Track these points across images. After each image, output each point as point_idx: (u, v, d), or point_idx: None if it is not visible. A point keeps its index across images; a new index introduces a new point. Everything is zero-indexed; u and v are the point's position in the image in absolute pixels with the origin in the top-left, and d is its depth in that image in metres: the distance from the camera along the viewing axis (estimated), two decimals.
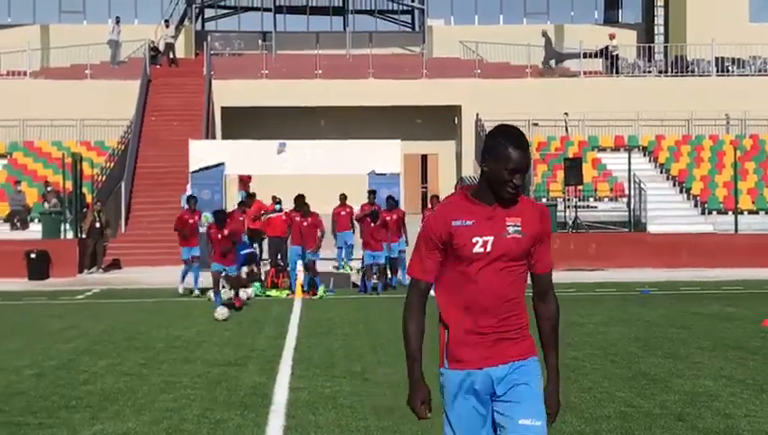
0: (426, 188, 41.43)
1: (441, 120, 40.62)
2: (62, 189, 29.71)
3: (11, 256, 27.22)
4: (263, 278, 22.54)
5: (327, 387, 10.62)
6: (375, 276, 21.76)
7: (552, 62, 42.03)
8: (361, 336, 14.80)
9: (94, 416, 9.39)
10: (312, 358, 12.68)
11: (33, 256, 27.24)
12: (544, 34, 41.84)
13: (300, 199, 22.11)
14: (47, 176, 32.64)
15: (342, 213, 26.69)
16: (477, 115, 38.09)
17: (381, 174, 27.77)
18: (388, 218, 22.27)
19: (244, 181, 30.08)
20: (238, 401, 9.95)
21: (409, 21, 49.73)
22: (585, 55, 40.63)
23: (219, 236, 18.61)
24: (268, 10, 47.16)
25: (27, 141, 36.57)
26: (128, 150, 34.28)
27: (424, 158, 41.79)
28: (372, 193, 24.27)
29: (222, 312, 17.10)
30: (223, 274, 18.76)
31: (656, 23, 46.15)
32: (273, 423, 9.02)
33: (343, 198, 26.83)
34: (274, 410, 9.57)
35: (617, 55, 40.80)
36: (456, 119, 40.36)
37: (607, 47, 40.79)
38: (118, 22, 41.16)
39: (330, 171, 28.12)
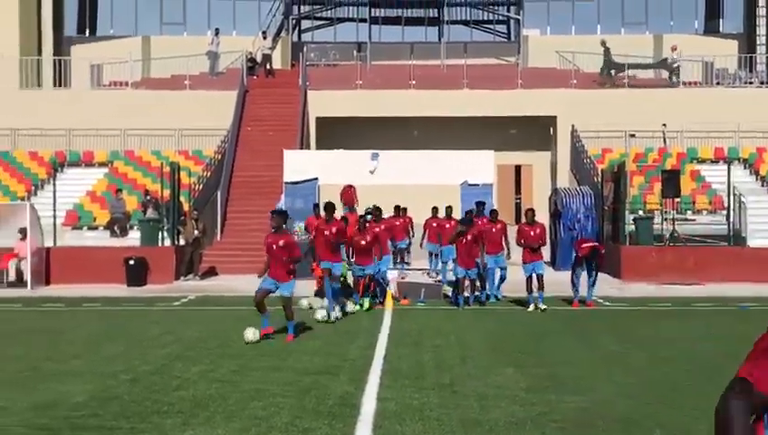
0: (519, 199, 41.16)
1: (536, 131, 40.33)
2: (160, 198, 30.29)
3: (111, 262, 27.85)
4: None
5: (415, 398, 10.60)
6: (467, 290, 21.35)
7: (611, 72, 41.38)
8: (452, 348, 14.75)
9: (185, 422, 9.53)
10: (401, 369, 12.68)
11: (131, 262, 27.81)
12: (603, 44, 41.39)
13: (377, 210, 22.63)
14: (146, 184, 33.32)
15: (434, 224, 26.54)
16: (573, 126, 37.71)
17: (474, 184, 27.70)
18: (494, 230, 21.92)
19: (348, 195, 30.34)
20: (326, 411, 10.00)
21: (505, 31, 49.53)
22: (643, 66, 40.13)
23: (327, 232, 19.06)
24: (364, 21, 47.47)
25: (128, 150, 37.40)
26: (224, 160, 34.81)
27: (518, 168, 41.53)
28: (481, 205, 23.96)
29: (322, 314, 18.17)
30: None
31: (758, 33, 45.12)
32: (359, 433, 9.05)
33: (435, 210, 26.64)
34: (362, 420, 9.60)
35: (677, 67, 40.02)
36: (552, 129, 40.02)
37: (665, 58, 40.13)
38: (217, 33, 41.88)
39: (422, 181, 28.13)
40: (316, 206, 23.86)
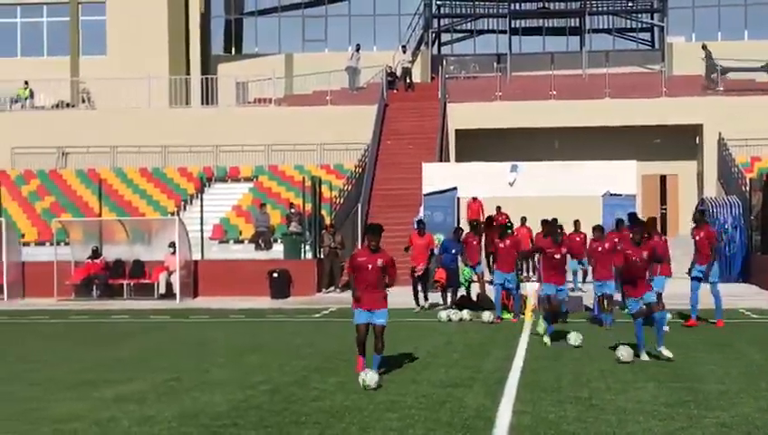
0: (665, 209, 40.23)
1: (681, 140, 39.37)
2: (303, 211, 30.82)
3: (255, 275, 28.51)
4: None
5: (551, 412, 10.50)
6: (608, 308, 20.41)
7: (715, 76, 39.97)
8: (591, 361, 14.52)
9: (322, 432, 9.69)
10: (538, 381, 12.57)
11: (275, 275, 28.39)
12: (704, 47, 40.04)
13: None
14: (290, 198, 33.95)
15: (577, 239, 25.89)
16: (720, 134, 36.70)
17: (616, 195, 27.24)
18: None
19: (473, 209, 30.42)
20: (461, 423, 9.99)
21: (648, 39, 48.56)
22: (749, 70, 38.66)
23: (502, 245, 20.02)
24: (504, 32, 47.30)
25: (272, 165, 38.21)
26: (364, 173, 35.20)
27: (663, 178, 40.59)
28: (634, 218, 22.67)
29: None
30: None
31: None
32: None
33: (578, 224, 26.12)
34: (496, 433, 9.56)
35: None
36: (698, 138, 39.01)
37: None
38: (358, 49, 42.39)
39: (563, 193, 27.82)
40: (420, 222, 24.35)
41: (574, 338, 16.26)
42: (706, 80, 40.18)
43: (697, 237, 19.29)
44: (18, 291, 29.35)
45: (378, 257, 13.15)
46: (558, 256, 17.02)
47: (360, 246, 22.26)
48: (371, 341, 13.08)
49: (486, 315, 20.26)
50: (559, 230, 18.41)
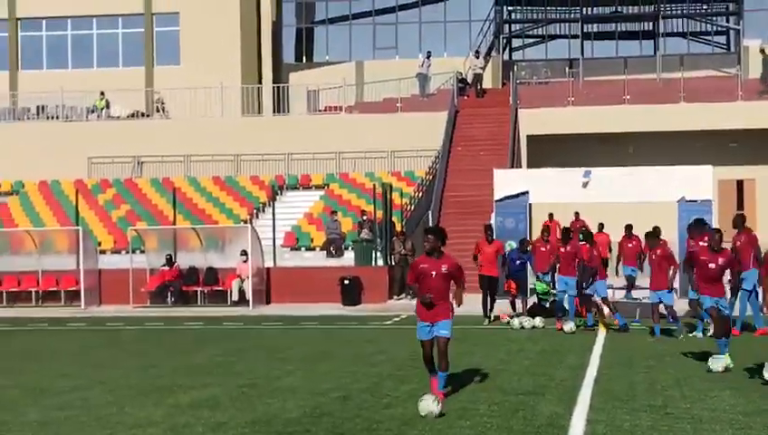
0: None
1: (759, 144, 38.66)
2: (374, 218, 30.89)
3: (327, 282, 28.63)
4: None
5: (626, 420, 10.36)
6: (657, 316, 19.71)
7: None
8: (666, 369, 14.30)
9: None
10: (612, 390, 12.41)
11: (346, 282, 28.49)
12: (762, 51, 39.11)
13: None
14: (361, 206, 34.06)
15: (629, 245, 25.41)
16: None
17: (692, 201, 26.82)
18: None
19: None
20: (534, 432, 9.91)
21: (724, 42, 47.81)
22: None
23: (563, 250, 19.97)
24: (576, 37, 46.93)
25: (342, 173, 38.37)
26: (435, 180, 35.15)
27: (740, 183, 39.90)
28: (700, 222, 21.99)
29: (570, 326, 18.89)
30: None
31: None
32: None
33: (629, 228, 25.54)
34: None
35: None
36: None
37: None
38: (429, 56, 42.38)
39: (637, 199, 27.50)
40: (488, 228, 23.33)
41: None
42: (762, 83, 39.45)
43: (738, 243, 18.63)
44: (95, 298, 29.86)
45: (441, 263, 11.73)
46: (713, 266, 14.75)
47: (396, 250, 21.19)
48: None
49: (568, 327, 19.69)
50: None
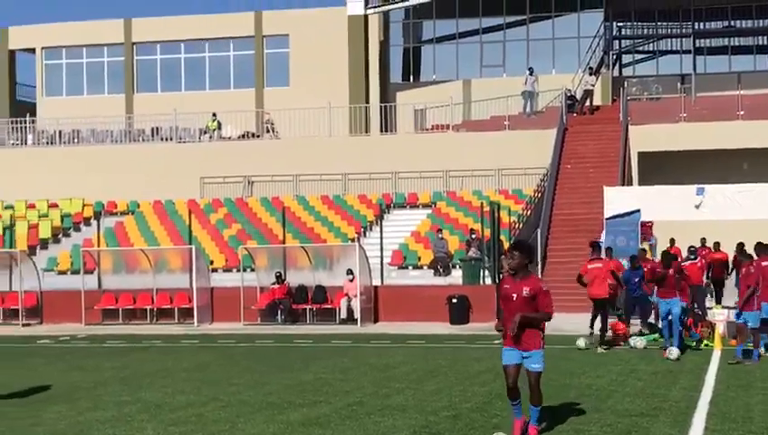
0: None
1: None
2: (482, 236, 30.78)
3: (434, 300, 28.61)
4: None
5: None
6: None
7: None
8: None
9: None
10: (727, 412, 12.11)
11: (454, 300, 28.43)
12: None
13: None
14: (468, 224, 33.98)
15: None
16: None
17: None
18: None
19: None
20: None
21: None
22: None
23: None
24: (687, 52, 46.15)
25: (450, 191, 38.37)
26: (544, 198, 34.86)
27: None
28: None
29: (674, 353, 17.98)
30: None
31: None
32: None
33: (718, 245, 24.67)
34: None
35: None
36: None
37: None
38: (531, 73, 42.16)
39: (752, 216, 26.83)
40: (594, 245, 22.50)
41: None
42: None
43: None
44: (207, 316, 30.40)
45: (523, 285, 10.46)
46: None
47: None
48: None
49: (674, 353, 18.98)
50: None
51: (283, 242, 32.72)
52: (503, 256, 29.68)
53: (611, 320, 21.57)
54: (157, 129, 43.83)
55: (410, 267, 32.95)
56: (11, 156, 43.42)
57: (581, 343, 20.41)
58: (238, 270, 31.56)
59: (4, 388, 15.59)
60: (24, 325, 31.00)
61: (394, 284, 30.96)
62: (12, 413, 13.02)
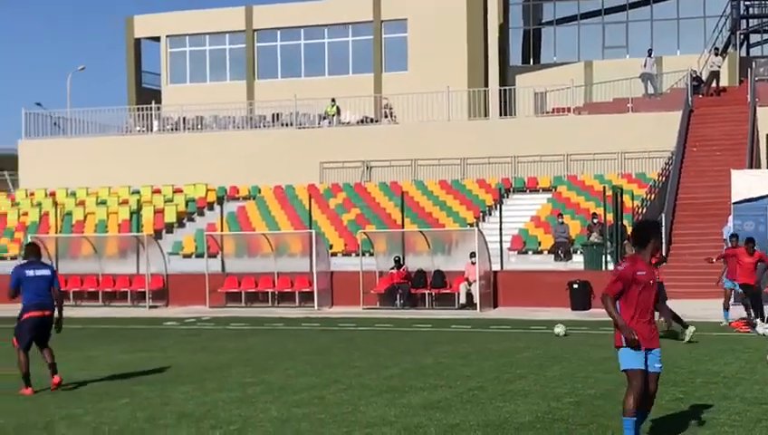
0: None
1: None
2: (604, 221, 30.29)
3: (555, 286, 28.29)
4: None
5: None
6: None
7: None
8: None
9: None
10: None
11: (575, 286, 28.05)
12: None
13: None
14: (589, 208, 33.48)
15: None
16: None
17: None
18: None
19: None
20: None
21: None
22: None
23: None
24: None
25: (571, 175, 37.85)
26: (668, 182, 34.08)
27: None
28: None
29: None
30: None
31: None
32: None
33: None
34: None
35: None
36: None
37: None
38: (650, 55, 41.19)
39: None
40: (733, 236, 22.15)
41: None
42: None
43: None
44: (327, 299, 30.68)
45: (655, 271, 9.35)
46: None
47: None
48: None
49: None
50: None
51: (402, 227, 32.77)
52: (625, 242, 29.20)
53: None
54: (277, 115, 44.37)
55: (530, 252, 32.63)
56: (137, 142, 44.55)
57: (560, 329, 20.58)
58: (357, 254, 31.74)
59: (132, 367, 16.01)
60: (150, 307, 31.81)
61: (514, 269, 30.71)
62: (142, 392, 13.35)
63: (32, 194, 43.22)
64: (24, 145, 45.85)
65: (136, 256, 33.78)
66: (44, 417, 11.56)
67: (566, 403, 11.95)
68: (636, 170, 36.99)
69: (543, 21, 49.04)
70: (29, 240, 33.23)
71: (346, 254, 33.89)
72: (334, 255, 33.47)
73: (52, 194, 42.64)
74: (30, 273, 13.36)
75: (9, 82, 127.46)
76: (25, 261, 13.78)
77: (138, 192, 41.43)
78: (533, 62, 48.53)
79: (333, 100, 43.79)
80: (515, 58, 48.64)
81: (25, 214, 40.77)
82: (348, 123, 43.76)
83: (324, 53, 48.92)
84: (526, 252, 32.69)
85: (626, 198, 31.12)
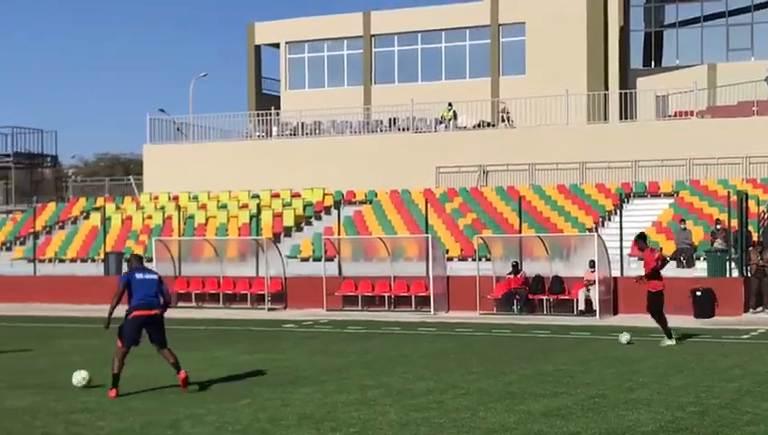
0: None
1: None
2: (728, 227, 29.53)
3: (678, 293, 27.57)
4: None
5: None
6: None
7: None
8: None
9: None
10: None
11: (698, 293, 27.41)
12: None
13: None
14: (713, 214, 32.69)
15: None
16: None
17: None
18: None
19: None
20: None
21: None
22: None
23: None
24: None
25: (693, 180, 37.02)
26: None
27: None
28: None
29: None
30: None
31: None
32: None
33: None
34: None
35: None
36: None
37: None
38: None
39: None
40: None
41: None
42: None
43: None
44: (443, 304, 30.64)
45: None
46: None
47: (752, 261, 15.60)
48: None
49: None
50: None
51: (519, 231, 32.51)
52: (750, 248, 28.45)
53: None
54: (393, 119, 44.54)
55: None
56: (257, 147, 45.27)
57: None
58: (474, 259, 31.61)
59: (253, 368, 16.25)
60: (269, 310, 32.27)
61: (634, 275, 30.10)
62: (263, 393, 13.54)
63: (156, 198, 44.35)
64: (148, 150, 47.08)
65: (255, 259, 34.34)
66: (170, 416, 11.82)
67: (690, 413, 11.67)
68: (761, 175, 35.96)
69: (665, 23, 48.09)
70: (131, 249, 34.16)
71: (462, 258, 33.80)
72: (450, 259, 33.41)
73: (175, 198, 43.67)
74: (139, 276, 13.68)
75: (136, 89, 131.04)
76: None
77: (257, 196, 42.10)
78: (655, 65, 47.62)
79: (450, 104, 43.74)
80: (636, 61, 47.81)
81: (150, 217, 41.86)
82: (464, 127, 43.65)
83: (441, 57, 48.91)
84: None
85: (751, 203, 30.32)
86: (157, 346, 13.79)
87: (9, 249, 42.28)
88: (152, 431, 10.90)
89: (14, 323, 27.92)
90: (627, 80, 45.77)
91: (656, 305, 20.50)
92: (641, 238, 21.16)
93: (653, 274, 20.47)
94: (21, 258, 40.58)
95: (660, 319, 20.45)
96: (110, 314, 13.50)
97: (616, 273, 29.44)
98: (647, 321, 25.71)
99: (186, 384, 13.63)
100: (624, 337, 20.53)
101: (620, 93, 42.54)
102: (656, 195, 36.71)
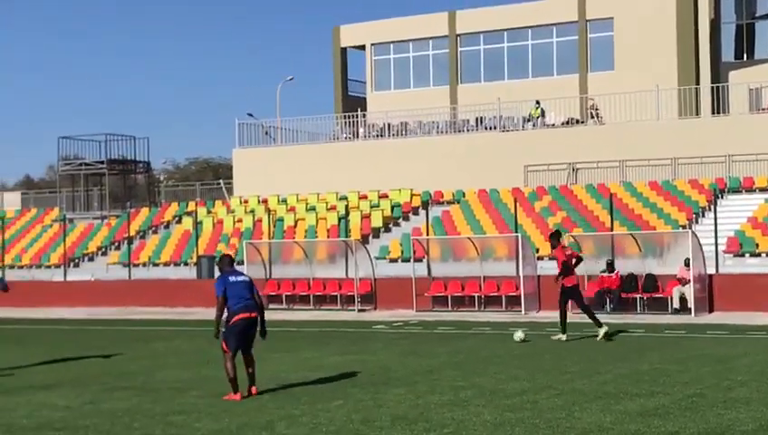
0: None
1: None
2: None
3: None
4: None
5: None
6: None
7: None
8: None
9: None
10: None
11: None
12: None
13: None
14: None
15: None
16: None
17: None
18: None
19: None
20: None
21: None
22: None
23: None
24: None
25: None
26: None
27: None
28: None
29: None
30: None
31: None
32: None
33: None
34: None
35: None
36: None
37: None
38: None
39: None
40: None
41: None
42: None
43: None
44: (534, 303, 30.37)
45: None
46: None
47: None
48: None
49: None
50: None
51: (611, 229, 32.07)
52: None
53: None
54: (480, 118, 44.34)
55: (747, 255, 31.33)
56: (344, 149, 45.49)
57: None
58: None
59: (345, 369, 16.29)
60: (359, 311, 32.37)
61: (730, 272, 29.53)
62: (356, 394, 13.57)
63: (245, 201, 44.87)
64: (237, 154, 47.66)
65: (344, 260, 34.50)
66: (264, 417, 11.91)
67: None
68: None
69: (758, 15, 46.99)
70: (222, 251, 34.52)
71: (552, 258, 33.40)
72: (540, 258, 33.11)
73: (265, 201, 44.13)
74: (232, 279, 13.75)
75: (225, 94, 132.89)
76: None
77: (345, 198, 42.30)
78: (747, 58, 46.57)
79: (538, 102, 43.39)
80: (728, 54, 46.81)
81: (240, 220, 42.36)
82: (553, 125, 43.26)
83: (528, 54, 48.54)
84: (743, 255, 31.40)
85: None
86: (243, 352, 13.77)
87: (105, 254, 43.21)
88: (247, 432, 11.00)
89: (111, 327, 28.50)
90: (719, 73, 44.85)
91: (568, 299, 21.44)
92: (555, 236, 21.39)
93: (564, 269, 20.98)
94: (116, 263, 41.43)
95: (587, 311, 21.57)
96: (218, 323, 13.62)
97: (711, 270, 28.86)
98: (744, 318, 25.24)
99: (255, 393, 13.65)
100: (518, 334, 20.90)
101: (712, 87, 41.73)
102: (750, 190, 35.93)
